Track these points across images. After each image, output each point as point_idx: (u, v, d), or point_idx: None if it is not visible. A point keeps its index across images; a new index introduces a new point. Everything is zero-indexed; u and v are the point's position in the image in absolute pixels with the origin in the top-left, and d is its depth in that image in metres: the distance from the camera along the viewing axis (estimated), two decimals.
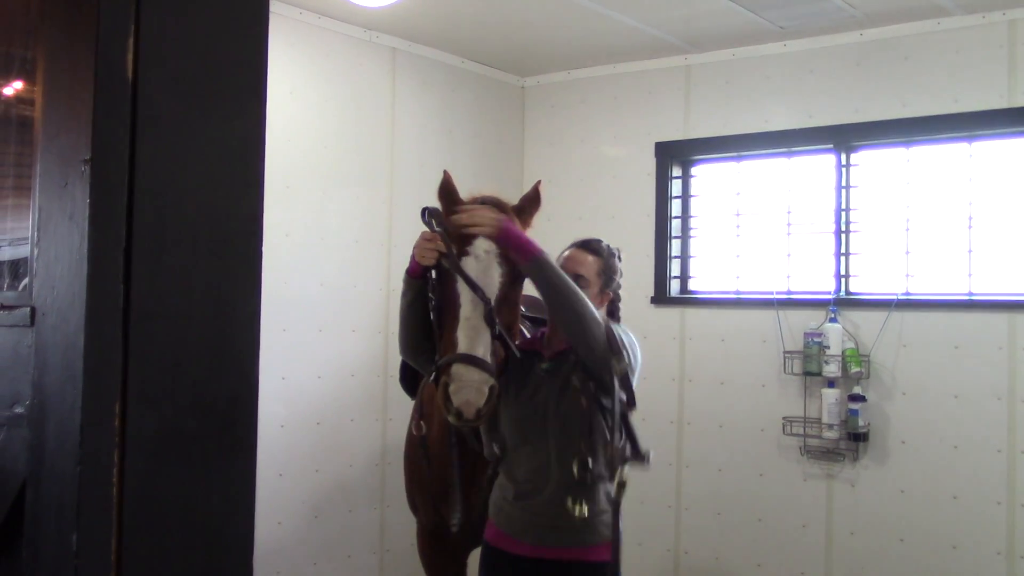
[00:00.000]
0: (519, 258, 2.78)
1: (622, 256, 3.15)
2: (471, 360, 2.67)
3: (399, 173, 5.17)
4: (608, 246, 3.09)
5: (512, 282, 2.85)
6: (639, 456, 2.90)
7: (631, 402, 2.88)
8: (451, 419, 2.70)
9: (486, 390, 2.65)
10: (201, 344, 1.35)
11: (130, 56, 1.29)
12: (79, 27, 1.33)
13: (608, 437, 2.85)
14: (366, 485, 5.00)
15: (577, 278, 2.92)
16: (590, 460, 2.81)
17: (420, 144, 5.28)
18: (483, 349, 2.71)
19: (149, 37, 1.30)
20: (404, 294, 2.95)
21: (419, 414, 3.31)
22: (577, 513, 2.81)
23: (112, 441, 1.25)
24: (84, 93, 1.29)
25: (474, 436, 3.10)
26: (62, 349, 1.30)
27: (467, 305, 2.75)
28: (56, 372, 1.31)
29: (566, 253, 3.05)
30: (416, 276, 2.90)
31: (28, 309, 1.39)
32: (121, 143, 1.28)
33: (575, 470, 2.81)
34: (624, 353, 2.83)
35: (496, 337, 2.75)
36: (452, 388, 2.65)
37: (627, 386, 2.86)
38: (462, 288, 2.77)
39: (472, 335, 2.71)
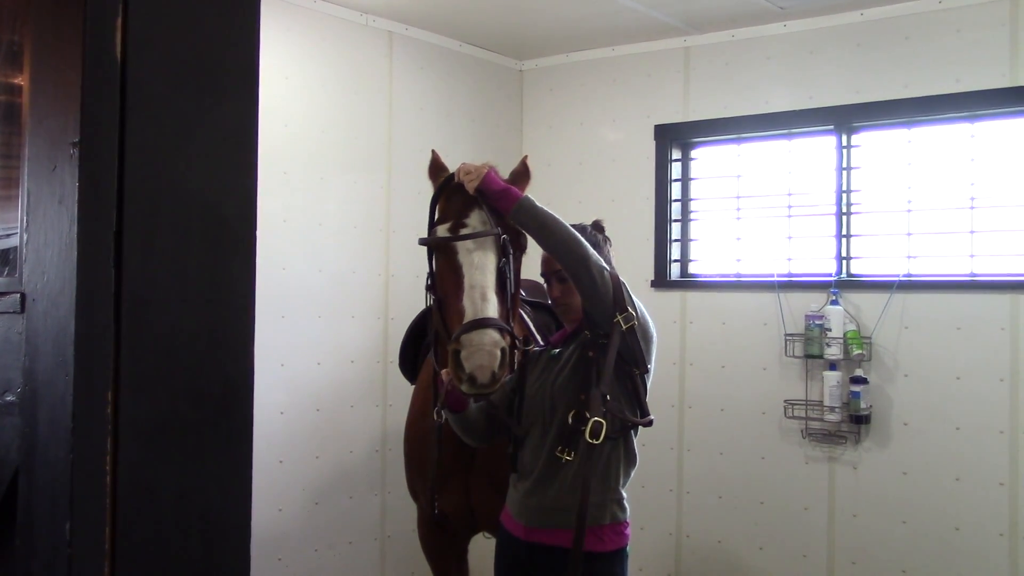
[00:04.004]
0: (503, 205, 2.79)
1: (603, 226, 3.12)
2: (482, 324, 2.63)
3: (397, 158, 5.14)
4: (584, 228, 3.04)
5: (513, 252, 2.85)
6: (643, 418, 2.85)
7: (639, 363, 2.85)
8: (464, 388, 2.63)
9: (498, 352, 2.60)
10: (195, 330, 1.33)
11: (118, 37, 1.26)
12: (66, 8, 1.31)
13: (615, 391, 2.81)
14: (366, 471, 4.99)
15: (555, 272, 2.94)
16: (587, 413, 2.73)
17: (418, 129, 5.25)
18: (492, 310, 2.69)
19: (138, 17, 1.28)
20: (454, 423, 2.98)
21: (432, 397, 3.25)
22: (563, 459, 2.76)
23: (105, 429, 1.24)
24: (72, 75, 1.27)
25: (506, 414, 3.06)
26: (53, 335, 1.28)
27: (470, 273, 2.73)
28: (47, 359, 1.29)
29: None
30: (458, 410, 2.92)
31: (18, 295, 1.37)
32: (110, 125, 1.26)
33: (569, 419, 2.76)
34: (632, 311, 2.81)
35: (506, 273, 2.76)
36: (464, 354, 2.60)
37: (635, 345, 2.82)
38: (463, 259, 2.75)
39: (479, 300, 2.69)
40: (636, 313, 2.83)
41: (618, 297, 2.79)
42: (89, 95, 1.24)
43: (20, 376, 1.37)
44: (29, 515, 1.35)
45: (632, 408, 2.86)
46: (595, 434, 2.70)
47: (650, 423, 2.87)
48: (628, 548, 2.91)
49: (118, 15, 1.26)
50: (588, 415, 2.71)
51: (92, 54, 1.25)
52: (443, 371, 2.84)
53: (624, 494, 2.91)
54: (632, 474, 2.94)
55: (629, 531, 2.92)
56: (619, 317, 2.77)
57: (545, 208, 2.81)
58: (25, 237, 1.36)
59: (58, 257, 1.27)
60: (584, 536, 2.70)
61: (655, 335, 2.94)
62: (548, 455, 2.81)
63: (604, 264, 2.83)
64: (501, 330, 2.66)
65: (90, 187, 1.24)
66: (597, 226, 3.09)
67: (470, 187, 2.81)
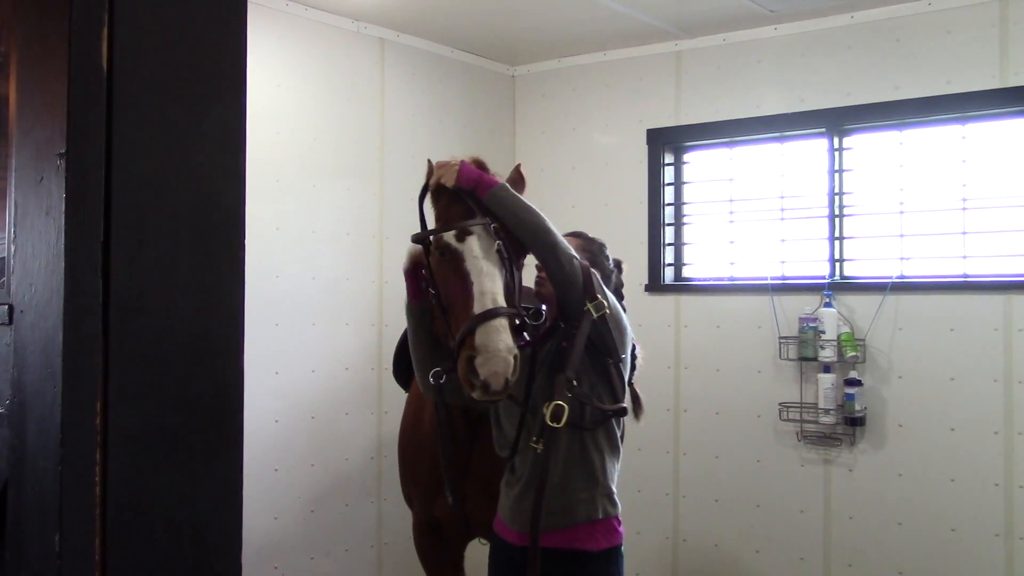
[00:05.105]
0: (479, 192, 2.80)
1: (613, 259, 3.18)
2: (492, 314, 2.59)
3: (390, 165, 5.14)
4: (595, 239, 3.12)
5: (513, 255, 2.84)
6: (608, 407, 2.83)
7: (612, 352, 2.85)
8: (476, 394, 2.59)
9: (512, 359, 2.56)
10: (184, 339, 1.33)
11: (104, 46, 1.26)
12: (52, 17, 1.30)
13: (597, 387, 2.81)
14: (362, 478, 4.99)
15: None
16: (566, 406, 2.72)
17: (410, 135, 5.25)
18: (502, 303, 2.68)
19: (123, 27, 1.28)
20: (409, 322, 2.96)
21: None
22: (539, 449, 2.73)
23: (94, 439, 1.23)
24: (58, 85, 1.26)
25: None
26: (41, 347, 1.27)
27: (480, 281, 2.70)
28: (36, 370, 1.29)
29: None
30: (416, 300, 2.92)
31: (6, 307, 1.37)
32: (97, 136, 1.25)
33: (547, 412, 2.73)
34: (604, 300, 2.82)
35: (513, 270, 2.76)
36: (479, 360, 2.55)
37: (607, 334, 2.83)
38: (471, 267, 2.72)
39: (490, 304, 2.65)
40: (608, 303, 2.84)
41: (588, 285, 2.82)
42: (75, 105, 1.24)
43: (8, 387, 1.36)
44: (18, 527, 1.34)
45: (609, 398, 2.85)
46: (556, 418, 2.69)
47: (623, 411, 2.87)
48: (623, 547, 2.90)
49: (104, 25, 1.26)
50: (553, 399, 2.71)
51: (78, 64, 1.24)
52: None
53: (613, 488, 2.89)
54: (618, 467, 2.93)
55: (623, 528, 2.91)
56: (589, 305, 2.80)
57: (520, 197, 2.84)
58: (12, 248, 1.36)
59: (45, 268, 1.27)
60: (540, 516, 2.69)
61: (629, 329, 2.95)
62: (534, 455, 2.80)
63: (574, 253, 2.85)
64: (511, 316, 2.64)
65: (77, 198, 1.23)
66: (617, 264, 3.19)
67: (448, 182, 2.81)
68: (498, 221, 2.81)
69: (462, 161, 2.85)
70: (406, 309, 3.00)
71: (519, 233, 2.82)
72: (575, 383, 2.74)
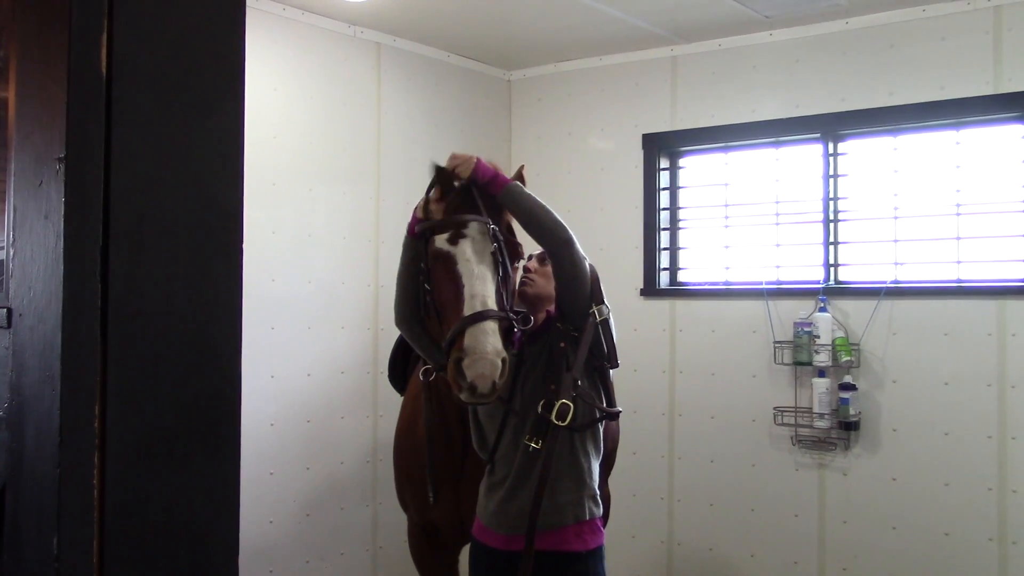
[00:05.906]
0: (493, 188, 2.80)
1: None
2: (481, 316, 2.59)
3: (386, 169, 5.15)
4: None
5: (509, 260, 2.84)
6: (610, 409, 2.86)
7: (611, 357, 2.86)
8: (463, 396, 2.59)
9: (499, 363, 2.56)
10: (182, 342, 1.33)
11: (103, 52, 1.27)
12: (51, 24, 1.31)
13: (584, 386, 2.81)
14: (358, 482, 4.99)
15: (526, 271, 3.00)
16: (556, 403, 2.73)
17: (407, 139, 5.26)
18: (492, 306, 2.68)
19: (122, 33, 1.28)
20: (403, 256, 2.94)
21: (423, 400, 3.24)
22: (531, 448, 2.74)
23: (92, 442, 1.23)
24: (57, 90, 1.27)
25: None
26: (40, 350, 1.28)
27: (471, 283, 2.70)
28: (34, 373, 1.29)
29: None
30: (415, 235, 2.90)
31: (4, 310, 1.37)
32: (96, 140, 1.26)
33: (539, 409, 2.75)
34: (605, 305, 2.84)
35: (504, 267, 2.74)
36: (466, 362, 2.55)
37: (609, 338, 2.84)
38: (463, 269, 2.72)
39: (479, 307, 2.65)
40: (607, 308, 2.87)
41: (595, 289, 2.83)
42: (75, 110, 1.24)
43: (7, 391, 1.37)
44: (16, 530, 1.34)
45: (602, 400, 2.87)
46: (562, 416, 2.70)
47: (618, 414, 2.89)
48: (604, 546, 2.92)
49: (103, 31, 1.26)
50: (557, 399, 2.72)
51: (77, 70, 1.25)
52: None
53: (597, 489, 2.91)
54: (598, 468, 2.95)
55: (603, 527, 2.93)
56: (595, 308, 2.81)
57: (534, 195, 2.84)
58: (11, 252, 1.36)
59: (44, 272, 1.27)
60: (539, 514, 2.69)
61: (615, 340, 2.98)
62: (522, 454, 2.80)
63: (584, 254, 2.86)
64: (501, 319, 2.64)
65: (76, 202, 1.24)
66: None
67: (464, 173, 2.81)
68: (499, 221, 2.82)
69: (478, 157, 2.85)
70: (403, 244, 2.95)
71: (532, 230, 2.82)
72: (579, 382, 2.76)
